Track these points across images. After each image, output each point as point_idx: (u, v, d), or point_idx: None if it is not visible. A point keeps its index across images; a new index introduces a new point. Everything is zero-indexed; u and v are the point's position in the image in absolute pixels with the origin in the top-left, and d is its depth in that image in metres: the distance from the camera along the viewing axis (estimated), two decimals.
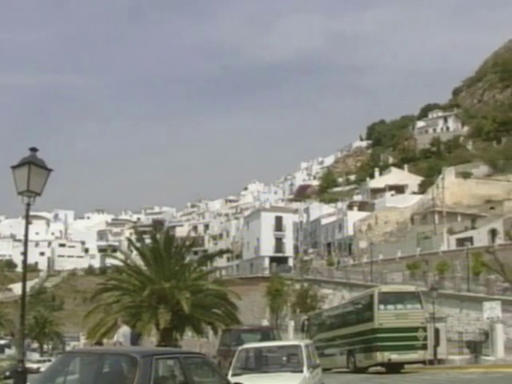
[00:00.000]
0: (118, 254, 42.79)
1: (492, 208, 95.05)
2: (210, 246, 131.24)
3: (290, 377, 14.50)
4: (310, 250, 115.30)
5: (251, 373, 15.06)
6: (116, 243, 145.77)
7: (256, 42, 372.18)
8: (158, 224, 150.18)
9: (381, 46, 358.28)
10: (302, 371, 14.71)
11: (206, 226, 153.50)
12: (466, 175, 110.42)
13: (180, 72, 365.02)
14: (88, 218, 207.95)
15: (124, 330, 22.39)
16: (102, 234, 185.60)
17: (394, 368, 29.56)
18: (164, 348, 17.30)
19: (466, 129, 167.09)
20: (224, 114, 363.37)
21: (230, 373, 14.92)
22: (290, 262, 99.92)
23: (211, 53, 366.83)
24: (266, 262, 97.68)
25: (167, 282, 32.60)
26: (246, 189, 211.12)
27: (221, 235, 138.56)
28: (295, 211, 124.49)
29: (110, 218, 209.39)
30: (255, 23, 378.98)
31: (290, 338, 48.58)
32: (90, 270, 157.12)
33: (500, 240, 70.65)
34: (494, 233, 78.21)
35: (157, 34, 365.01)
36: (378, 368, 30.53)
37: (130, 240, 52.88)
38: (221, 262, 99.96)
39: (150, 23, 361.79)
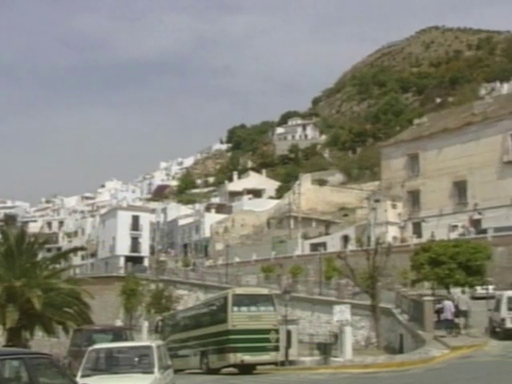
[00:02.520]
0: None
1: (345, 215, 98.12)
2: (64, 244, 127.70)
3: (140, 378, 14.35)
4: (170, 251, 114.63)
5: (101, 374, 14.77)
6: None
7: (122, 37, 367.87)
8: (9, 219, 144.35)
9: (247, 50, 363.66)
10: (152, 372, 14.60)
11: (61, 223, 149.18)
12: (321, 182, 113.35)
13: (41, 62, 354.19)
14: None
15: None
16: None
17: (246, 369, 29.80)
18: (9, 348, 16.56)
19: (323, 137, 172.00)
20: (83, 108, 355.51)
21: (80, 374, 14.57)
22: (146, 262, 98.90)
23: (75, 45, 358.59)
24: (122, 261, 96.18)
25: (17, 279, 31.39)
26: (103, 186, 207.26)
27: (76, 233, 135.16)
28: (152, 211, 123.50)
29: None
30: (123, 18, 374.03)
31: (144, 339, 47.98)
32: None
33: (352, 246, 72.92)
34: (346, 239, 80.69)
35: (20, 21, 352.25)
36: (231, 369, 30.67)
37: None
38: (75, 260, 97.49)
39: (14, 10, 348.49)
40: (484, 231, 62.88)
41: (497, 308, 31.67)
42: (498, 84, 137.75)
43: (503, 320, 30.53)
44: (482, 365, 23.61)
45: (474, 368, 22.95)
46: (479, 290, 42.06)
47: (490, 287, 41.40)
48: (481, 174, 70.91)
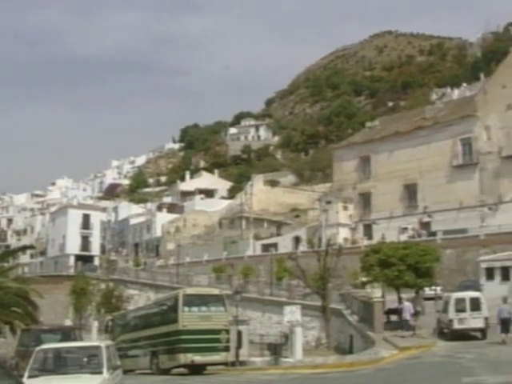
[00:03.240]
0: None
1: (297, 216, 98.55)
2: (13, 242, 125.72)
3: (88, 378, 14.23)
4: (121, 250, 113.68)
5: (49, 374, 14.56)
6: None
7: (78, 33, 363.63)
8: None
9: (203, 50, 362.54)
10: (101, 372, 14.47)
11: (10, 221, 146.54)
12: (273, 183, 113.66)
13: None
14: None
15: None
16: None
17: (196, 369, 29.70)
18: None
19: (276, 139, 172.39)
20: (35, 104, 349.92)
21: (27, 374, 14.36)
22: (97, 262, 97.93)
23: (28, 40, 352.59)
24: (72, 260, 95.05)
25: None
26: (53, 184, 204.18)
27: (25, 231, 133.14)
28: (104, 210, 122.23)
29: None
30: (79, 14, 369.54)
31: (94, 339, 47.43)
32: None
33: (303, 247, 73.26)
34: (297, 240, 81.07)
35: None
36: (181, 369, 30.53)
37: None
38: (24, 258, 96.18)
39: None
40: (433, 234, 63.87)
41: (445, 309, 32.17)
42: (448, 89, 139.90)
43: (451, 321, 31.04)
44: (430, 365, 23.95)
45: (422, 368, 23.27)
46: (427, 291, 42.68)
47: (438, 288, 42.10)
48: (431, 178, 71.96)
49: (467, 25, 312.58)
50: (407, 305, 34.53)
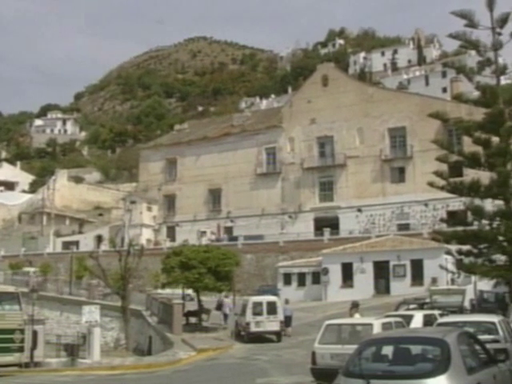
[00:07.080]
0: None
1: (100, 215, 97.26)
2: None
3: None
4: None
5: None
6: None
7: None
8: None
9: (12, 35, 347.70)
10: None
11: None
12: (78, 180, 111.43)
13: None
14: None
15: None
16: None
17: None
18: None
19: (83, 134, 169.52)
20: None
21: None
22: None
23: None
24: None
25: None
26: None
27: None
28: None
29: None
30: None
31: None
32: None
33: (105, 246, 72.56)
34: (99, 239, 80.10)
35: None
36: None
37: None
38: None
39: None
40: (235, 238, 65.59)
41: (243, 313, 33.12)
42: (257, 99, 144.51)
43: (248, 324, 32.00)
44: (226, 366, 24.60)
45: (218, 369, 23.88)
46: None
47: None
48: (235, 184, 73.88)
49: (279, 39, 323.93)
50: (227, 301, 38.20)
